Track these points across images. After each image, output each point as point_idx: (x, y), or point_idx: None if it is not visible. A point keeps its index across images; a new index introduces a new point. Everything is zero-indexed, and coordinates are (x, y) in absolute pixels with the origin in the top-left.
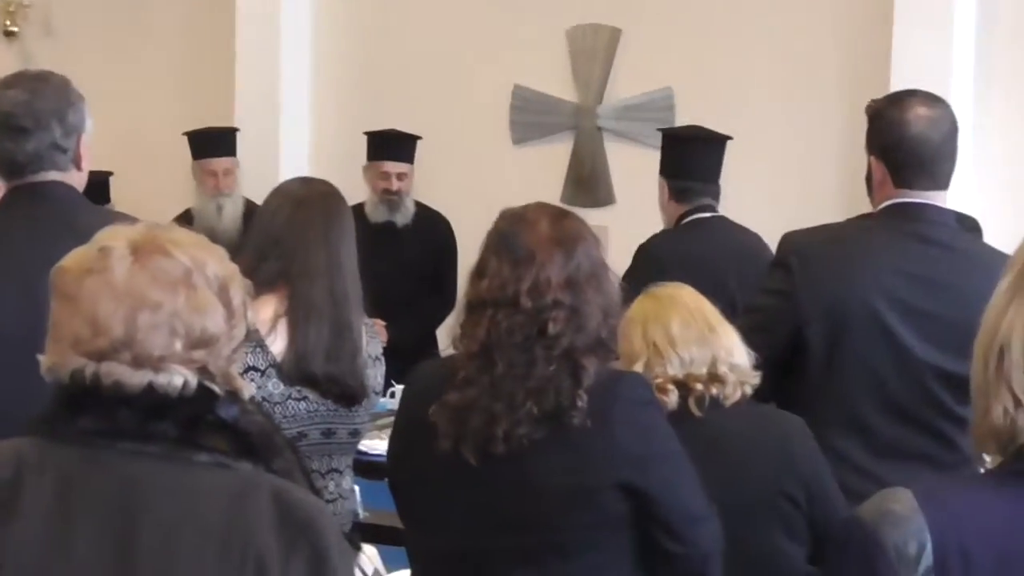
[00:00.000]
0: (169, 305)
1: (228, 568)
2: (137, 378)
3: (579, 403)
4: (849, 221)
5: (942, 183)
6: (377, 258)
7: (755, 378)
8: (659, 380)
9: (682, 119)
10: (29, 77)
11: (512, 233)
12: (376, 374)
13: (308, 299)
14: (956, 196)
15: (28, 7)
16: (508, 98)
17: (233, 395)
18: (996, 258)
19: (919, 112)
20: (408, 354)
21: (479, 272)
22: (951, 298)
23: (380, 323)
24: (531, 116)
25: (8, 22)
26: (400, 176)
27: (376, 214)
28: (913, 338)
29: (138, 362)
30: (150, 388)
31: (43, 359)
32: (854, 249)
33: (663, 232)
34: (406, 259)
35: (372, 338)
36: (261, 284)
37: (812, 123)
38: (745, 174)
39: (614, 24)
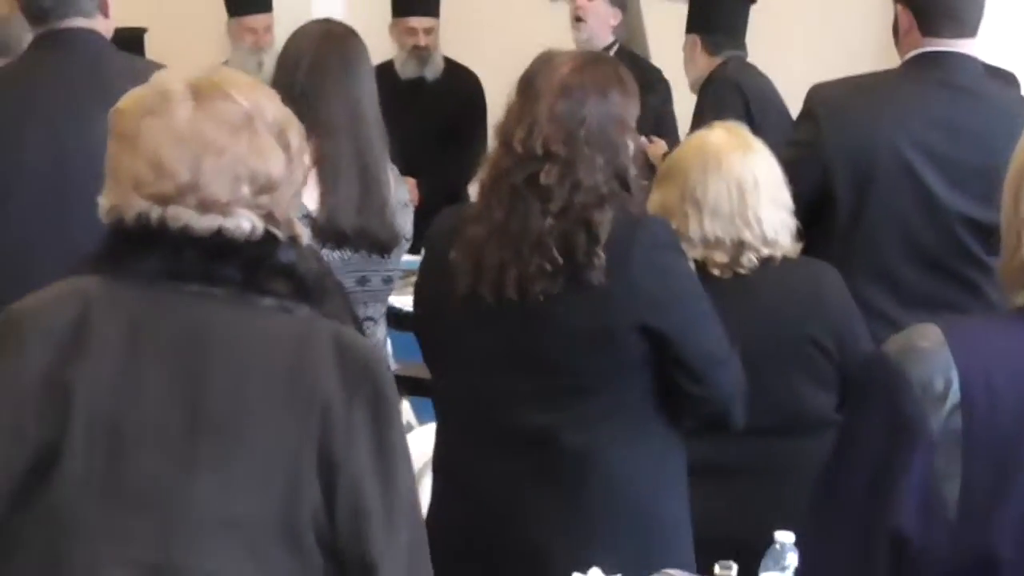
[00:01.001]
0: (233, 150)
1: (296, 410)
2: (206, 222)
3: (596, 261)
4: (876, 72)
5: (969, 30)
6: (408, 113)
7: (793, 251)
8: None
9: None
10: None
11: (534, 72)
12: (406, 220)
13: (333, 154)
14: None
15: None
16: None
17: (293, 240)
18: (1020, 102)
19: None
20: (439, 210)
21: (505, 108)
22: (978, 144)
23: (412, 181)
24: None
25: None
26: (427, 31)
27: (406, 69)
28: (940, 184)
29: (205, 206)
30: (218, 232)
31: (102, 199)
32: (880, 98)
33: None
34: (436, 113)
35: (399, 184)
36: None
37: None
38: (780, 28)
39: None
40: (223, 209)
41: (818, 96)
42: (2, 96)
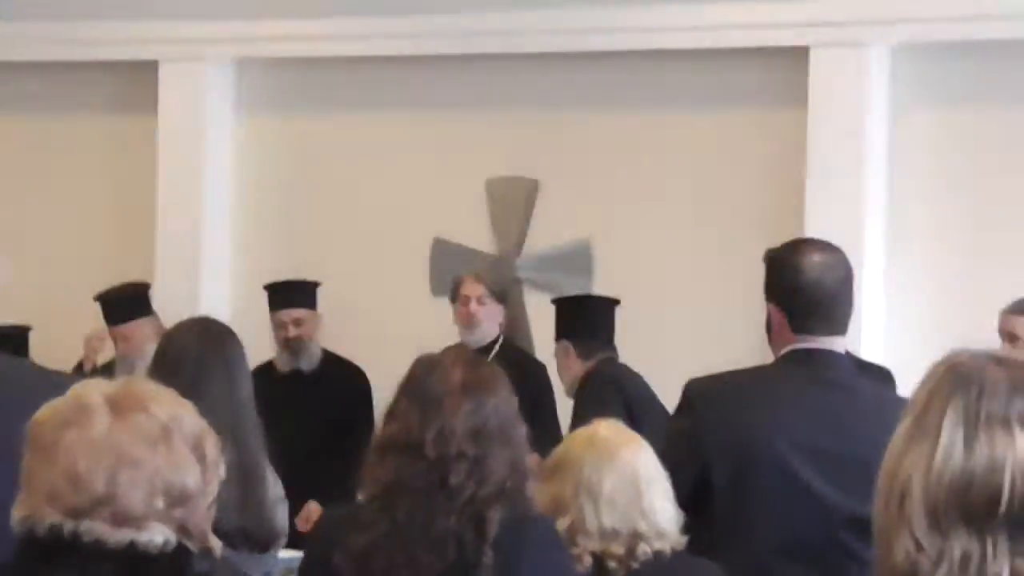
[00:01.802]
0: (150, 463)
1: None
2: (119, 536)
3: (485, 559)
4: (751, 368)
5: (839, 328)
6: (287, 405)
7: (680, 543)
8: (578, 549)
9: (600, 271)
10: None
11: (424, 378)
12: (283, 515)
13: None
14: (869, 348)
15: None
16: (428, 249)
17: (206, 551)
18: (894, 401)
19: (814, 258)
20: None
21: (390, 414)
22: (854, 438)
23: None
24: (451, 267)
25: None
26: (296, 322)
27: (281, 363)
28: (818, 480)
29: (118, 520)
30: (131, 545)
31: (14, 510)
32: (756, 393)
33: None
34: (316, 405)
35: (275, 479)
36: None
37: (727, 277)
38: (661, 326)
39: (533, 176)
40: (137, 523)
41: (695, 390)
42: None
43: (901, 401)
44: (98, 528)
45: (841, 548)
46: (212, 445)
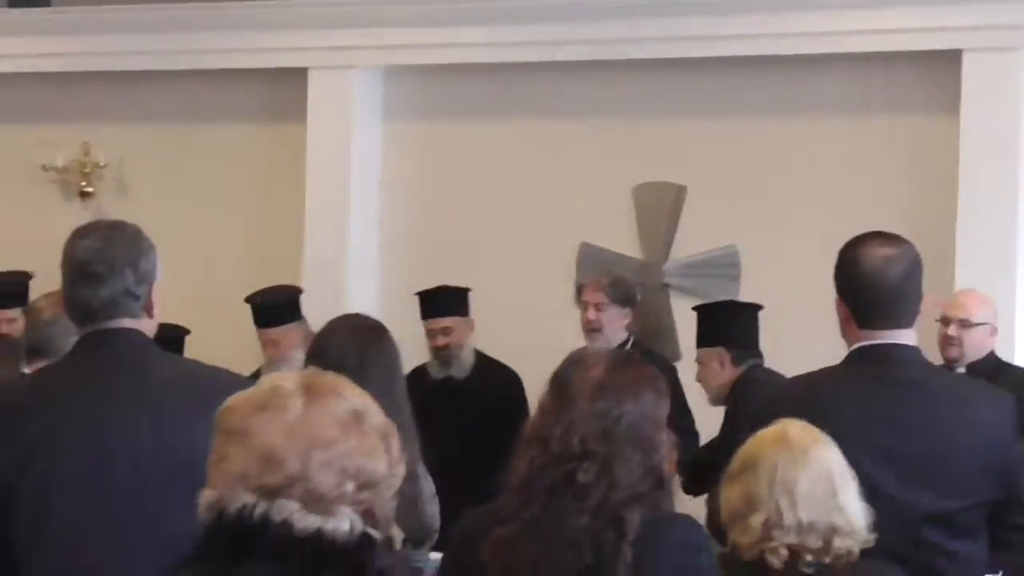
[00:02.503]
0: (342, 445)
1: None
2: (307, 521)
3: (622, 557)
4: (819, 370)
5: (904, 322)
6: (441, 412)
7: (869, 541)
8: (773, 543)
9: (748, 276)
10: (103, 226)
11: (567, 373)
12: (434, 512)
13: None
14: (1021, 357)
15: (104, 167)
16: (575, 255)
17: (388, 542)
18: (969, 389)
19: (875, 251)
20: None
21: (538, 407)
22: (925, 434)
23: None
24: (598, 272)
25: (84, 183)
26: (445, 331)
27: (434, 370)
28: (890, 479)
29: (310, 500)
30: (318, 534)
31: (205, 494)
32: (822, 395)
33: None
34: (469, 414)
35: (426, 476)
36: None
37: None
38: (808, 332)
39: (680, 182)
40: (327, 506)
41: (765, 398)
42: (43, 398)
43: (982, 390)
44: (288, 508)
45: (926, 545)
46: (396, 442)
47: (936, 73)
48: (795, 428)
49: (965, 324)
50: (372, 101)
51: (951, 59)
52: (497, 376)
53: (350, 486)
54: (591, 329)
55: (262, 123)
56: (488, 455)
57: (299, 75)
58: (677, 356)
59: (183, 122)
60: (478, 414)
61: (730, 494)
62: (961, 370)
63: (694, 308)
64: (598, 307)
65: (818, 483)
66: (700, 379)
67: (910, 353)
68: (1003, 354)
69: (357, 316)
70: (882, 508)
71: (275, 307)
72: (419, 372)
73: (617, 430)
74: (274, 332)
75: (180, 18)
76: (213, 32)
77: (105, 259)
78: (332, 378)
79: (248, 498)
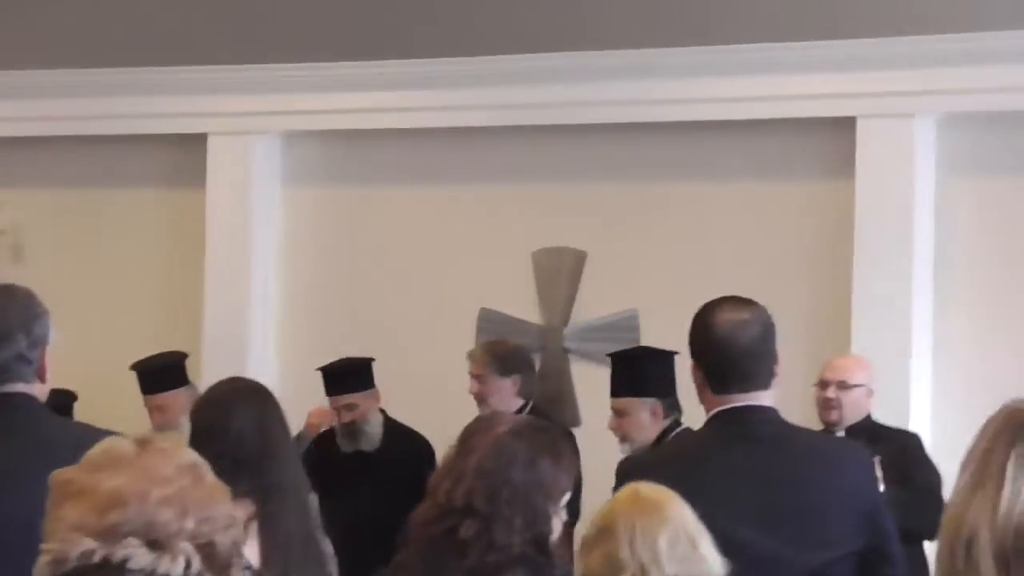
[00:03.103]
0: (179, 482)
1: None
2: (145, 560)
3: None
4: (679, 437)
5: (758, 384)
6: (351, 486)
7: None
8: None
9: (647, 340)
10: None
11: (472, 429)
12: (334, 571)
13: (280, 516)
14: (917, 415)
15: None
16: (475, 321)
17: None
18: (827, 442)
19: (725, 316)
20: None
21: (442, 461)
22: (794, 490)
23: None
24: (497, 337)
25: None
26: (349, 407)
27: (343, 444)
28: (765, 539)
29: (149, 537)
30: (152, 574)
31: (43, 549)
32: (686, 462)
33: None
34: (379, 485)
35: (324, 538)
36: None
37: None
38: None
39: (579, 247)
40: (167, 542)
41: (625, 470)
42: None
43: (839, 443)
44: (130, 547)
45: None
46: (237, 505)
47: (831, 139)
48: (645, 488)
49: (843, 386)
50: (271, 166)
51: (846, 126)
52: (406, 443)
53: (190, 522)
54: (477, 400)
55: (161, 188)
56: (398, 524)
57: (199, 140)
58: (577, 422)
59: (81, 187)
60: (389, 485)
61: (589, 561)
62: (840, 433)
63: (609, 355)
64: (479, 378)
65: (679, 537)
66: (621, 429)
67: (767, 413)
68: (897, 417)
69: (243, 382)
70: (757, 569)
71: (159, 372)
72: (328, 443)
73: (503, 492)
74: (159, 399)
75: (77, 83)
76: (111, 98)
77: None
78: (169, 438)
79: (89, 543)
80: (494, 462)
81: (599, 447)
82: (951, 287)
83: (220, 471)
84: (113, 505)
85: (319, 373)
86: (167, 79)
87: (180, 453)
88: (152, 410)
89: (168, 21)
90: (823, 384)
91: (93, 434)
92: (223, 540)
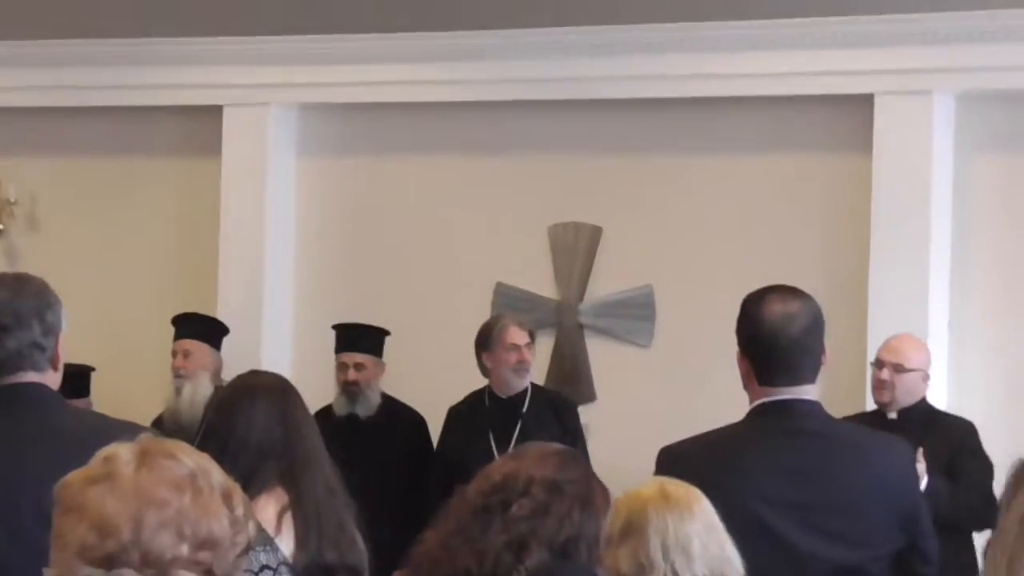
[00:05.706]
0: (176, 503)
1: None
2: None
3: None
4: (722, 428)
5: (805, 378)
6: (342, 452)
7: None
8: None
9: (662, 316)
10: (9, 278)
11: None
12: (366, 550)
13: (312, 497)
14: (932, 396)
15: (14, 204)
16: (490, 295)
17: None
18: (868, 438)
19: (774, 308)
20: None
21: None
22: (832, 486)
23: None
24: (513, 312)
25: None
26: (358, 366)
27: (339, 406)
28: (798, 533)
29: (146, 564)
30: None
31: (46, 572)
32: (726, 452)
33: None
34: (371, 454)
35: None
36: (259, 487)
37: None
38: (721, 372)
39: (595, 222)
40: (164, 570)
41: (666, 457)
42: None
43: (880, 439)
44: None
45: None
46: (241, 502)
47: (849, 115)
48: (671, 485)
49: (899, 369)
50: (287, 138)
51: (864, 102)
52: (401, 418)
53: (185, 547)
54: (525, 370)
55: (177, 159)
56: (387, 496)
57: (214, 112)
58: (592, 397)
59: (97, 158)
60: (380, 455)
61: (617, 558)
62: (893, 415)
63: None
64: (528, 347)
65: (710, 538)
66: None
67: (811, 407)
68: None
69: (258, 374)
70: (787, 562)
71: (197, 321)
72: (324, 412)
73: (566, 490)
74: (190, 343)
75: (95, 54)
76: (128, 68)
77: (12, 311)
78: (169, 443)
79: (88, 571)
80: (564, 472)
81: (614, 422)
82: (968, 264)
83: (245, 464)
84: (108, 532)
85: (332, 345)
86: (183, 50)
87: (179, 465)
88: (178, 353)
89: None
90: (879, 364)
91: (106, 426)
92: (223, 563)
